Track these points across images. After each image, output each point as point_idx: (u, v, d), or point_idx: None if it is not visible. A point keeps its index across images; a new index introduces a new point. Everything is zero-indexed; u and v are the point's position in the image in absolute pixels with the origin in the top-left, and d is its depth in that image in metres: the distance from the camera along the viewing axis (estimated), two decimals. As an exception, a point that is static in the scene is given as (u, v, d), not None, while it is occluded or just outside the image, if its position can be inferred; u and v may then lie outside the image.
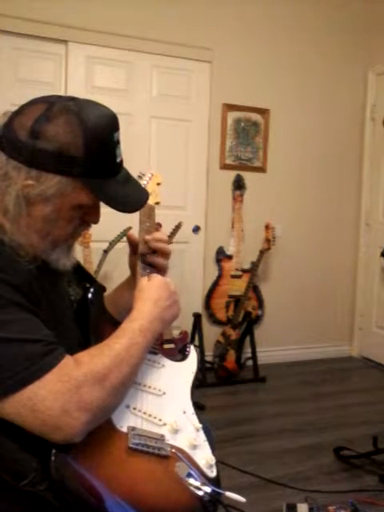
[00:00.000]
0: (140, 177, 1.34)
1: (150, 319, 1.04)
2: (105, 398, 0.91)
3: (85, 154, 0.94)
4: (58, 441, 0.87)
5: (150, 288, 1.10)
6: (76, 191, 0.96)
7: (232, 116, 3.82)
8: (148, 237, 1.22)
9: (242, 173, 3.88)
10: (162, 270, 1.23)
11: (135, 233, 1.27)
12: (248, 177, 3.89)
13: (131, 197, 1.03)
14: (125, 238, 3.39)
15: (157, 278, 1.14)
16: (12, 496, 0.91)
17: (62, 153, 0.92)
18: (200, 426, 1.09)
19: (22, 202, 0.95)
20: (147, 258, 1.21)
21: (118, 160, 1.01)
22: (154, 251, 1.22)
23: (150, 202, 1.27)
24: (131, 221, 1.15)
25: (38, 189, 0.94)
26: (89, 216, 1.04)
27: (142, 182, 1.33)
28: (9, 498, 0.91)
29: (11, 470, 0.89)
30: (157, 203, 1.32)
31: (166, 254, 1.23)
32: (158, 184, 1.35)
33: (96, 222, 1.06)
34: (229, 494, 0.97)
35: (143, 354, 1.01)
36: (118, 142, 1.00)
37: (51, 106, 0.95)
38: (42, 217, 0.97)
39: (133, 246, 1.26)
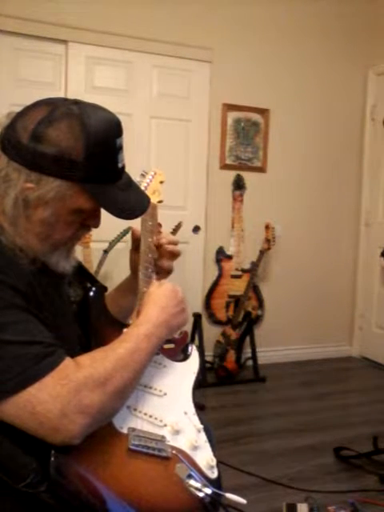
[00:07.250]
0: (143, 175, 1.33)
1: (156, 325, 1.04)
2: (105, 402, 0.91)
3: (86, 159, 0.93)
4: (56, 443, 0.87)
5: (159, 294, 1.10)
6: (76, 196, 0.96)
7: (232, 116, 3.82)
8: (163, 240, 1.22)
9: (242, 173, 3.88)
10: (165, 272, 1.22)
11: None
12: (248, 177, 3.89)
13: (131, 203, 1.02)
14: (125, 238, 3.37)
15: (166, 284, 1.13)
16: (12, 497, 0.90)
17: (62, 157, 0.92)
18: (201, 426, 1.09)
19: (21, 205, 0.95)
20: (156, 261, 1.21)
21: (120, 166, 1.00)
22: (160, 254, 1.22)
23: (153, 200, 1.26)
24: (132, 221, 1.14)
25: (38, 192, 0.94)
26: (89, 220, 1.03)
27: (145, 181, 1.32)
28: (8, 499, 0.91)
29: (11, 471, 0.88)
30: (160, 202, 1.32)
31: (175, 256, 1.23)
32: (161, 182, 1.34)
33: (96, 226, 1.05)
34: (229, 495, 0.97)
35: (147, 360, 1.01)
36: (120, 148, 0.99)
37: (54, 109, 0.94)
38: (41, 220, 0.97)
39: (136, 241, 1.25)
